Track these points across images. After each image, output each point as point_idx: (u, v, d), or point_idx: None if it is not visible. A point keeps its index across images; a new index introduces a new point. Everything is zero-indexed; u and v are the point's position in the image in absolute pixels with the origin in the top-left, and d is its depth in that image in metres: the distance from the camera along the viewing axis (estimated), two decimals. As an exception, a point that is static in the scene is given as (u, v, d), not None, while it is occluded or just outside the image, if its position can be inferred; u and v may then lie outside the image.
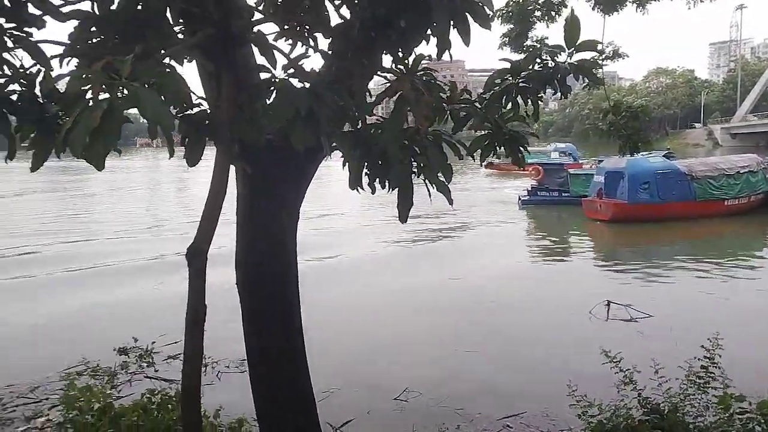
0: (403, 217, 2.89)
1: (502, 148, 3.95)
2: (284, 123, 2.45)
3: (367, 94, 3.37)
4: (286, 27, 3.46)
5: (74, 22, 3.10)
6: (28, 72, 3.11)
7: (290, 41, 3.46)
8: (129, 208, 34.56)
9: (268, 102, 3.07)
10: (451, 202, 3.01)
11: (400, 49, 2.95)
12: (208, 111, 2.85)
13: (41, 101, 3.03)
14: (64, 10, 3.08)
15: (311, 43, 3.55)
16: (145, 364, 9.91)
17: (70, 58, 3.11)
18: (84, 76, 1.99)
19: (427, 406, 8.64)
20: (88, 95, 1.92)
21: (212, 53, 2.58)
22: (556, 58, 3.68)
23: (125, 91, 1.87)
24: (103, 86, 1.90)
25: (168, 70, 2.17)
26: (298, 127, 2.44)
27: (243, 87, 2.95)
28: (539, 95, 3.81)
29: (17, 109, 2.78)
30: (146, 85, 1.91)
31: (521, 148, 4.00)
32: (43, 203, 37.57)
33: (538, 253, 21.62)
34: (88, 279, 17.10)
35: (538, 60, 3.73)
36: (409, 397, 8.88)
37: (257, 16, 3.33)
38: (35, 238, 23.70)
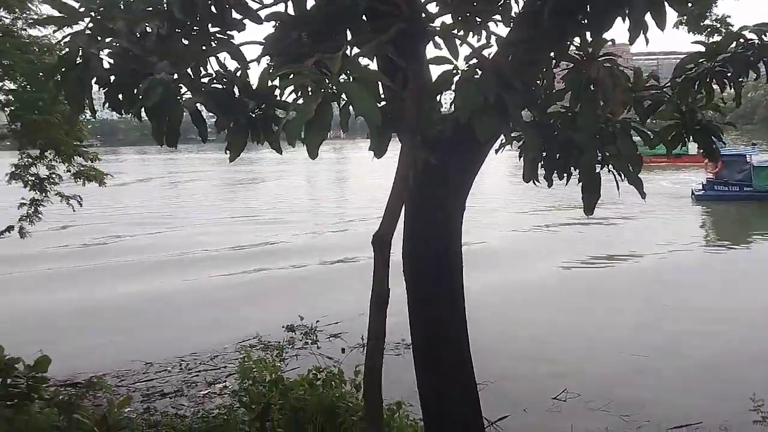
0: (590, 209, 2.77)
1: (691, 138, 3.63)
2: (469, 113, 2.46)
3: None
4: (459, 18, 3.46)
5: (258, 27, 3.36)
6: (227, 71, 3.43)
7: (461, 32, 3.46)
8: (300, 200, 36.48)
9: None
10: (643, 195, 2.83)
11: (588, 35, 2.82)
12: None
13: (238, 98, 3.31)
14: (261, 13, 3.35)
15: (483, 33, 3.53)
16: (310, 342, 10.57)
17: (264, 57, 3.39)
18: (297, 73, 2.14)
19: (588, 409, 8.28)
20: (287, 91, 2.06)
21: (401, 48, 2.67)
22: (763, 37, 3.29)
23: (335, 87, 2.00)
24: (316, 81, 2.04)
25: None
26: (485, 117, 2.44)
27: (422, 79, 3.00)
28: (740, 79, 3.42)
29: (220, 105, 3.04)
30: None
31: (714, 139, 3.65)
32: (222, 194, 41.20)
33: (718, 254, 19.57)
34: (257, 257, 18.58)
35: (741, 41, 3.35)
36: (568, 397, 8.57)
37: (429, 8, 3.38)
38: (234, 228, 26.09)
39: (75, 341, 10.73)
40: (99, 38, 2.71)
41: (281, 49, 3.10)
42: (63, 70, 2.64)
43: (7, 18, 10.13)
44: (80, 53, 2.72)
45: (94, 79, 2.66)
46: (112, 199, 30.17)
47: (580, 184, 2.82)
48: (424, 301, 4.47)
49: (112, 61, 2.72)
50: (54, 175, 10.08)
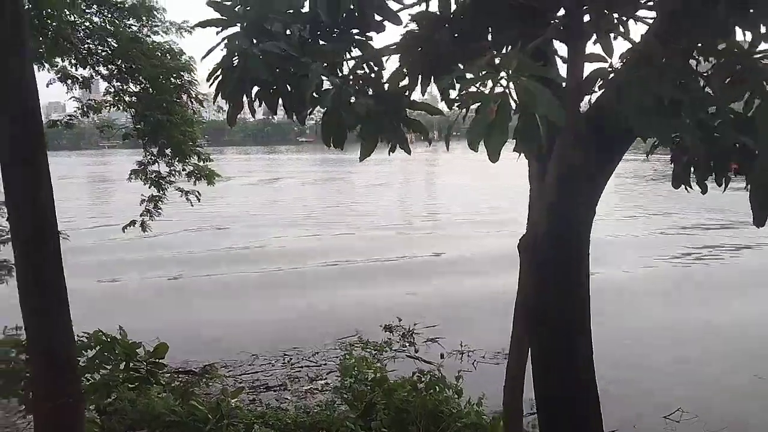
0: (761, 220, 2.56)
1: None
2: (635, 112, 2.33)
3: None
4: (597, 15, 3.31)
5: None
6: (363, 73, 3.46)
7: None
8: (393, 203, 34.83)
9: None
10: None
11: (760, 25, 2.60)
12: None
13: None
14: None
15: (621, 29, 3.36)
16: (407, 344, 10.62)
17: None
18: (475, 74, 2.11)
19: (705, 432, 7.76)
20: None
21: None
22: None
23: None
24: (494, 83, 2.00)
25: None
26: (654, 117, 2.30)
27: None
28: None
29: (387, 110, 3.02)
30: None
31: None
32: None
33: None
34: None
35: None
36: (682, 418, 8.06)
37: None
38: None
39: (188, 334, 11.23)
40: (254, 40, 2.82)
41: (420, 50, 3.10)
42: (223, 71, 2.76)
43: (135, 26, 10.90)
44: (236, 55, 2.84)
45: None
46: (225, 199, 30.62)
47: (748, 193, 2.59)
48: (548, 311, 4.31)
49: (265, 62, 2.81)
50: (174, 173, 10.66)
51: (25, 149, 4.09)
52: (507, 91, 1.97)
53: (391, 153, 2.99)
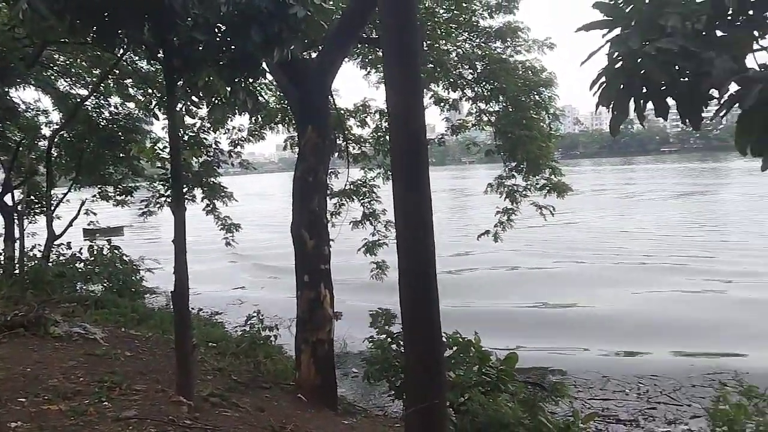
0: None
1: None
2: None
3: None
4: None
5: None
6: None
7: None
8: None
9: None
10: None
11: None
12: None
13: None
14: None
15: None
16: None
17: None
18: None
19: None
20: None
21: None
22: None
23: None
24: None
25: None
26: None
27: None
28: None
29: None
30: None
31: None
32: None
33: None
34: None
35: None
36: None
37: None
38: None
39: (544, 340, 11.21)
40: (645, 39, 2.54)
41: None
42: (608, 76, 2.56)
43: (500, 48, 11.46)
44: (621, 57, 2.60)
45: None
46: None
47: None
48: None
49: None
50: (529, 186, 10.84)
51: (410, 165, 4.48)
52: None
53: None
